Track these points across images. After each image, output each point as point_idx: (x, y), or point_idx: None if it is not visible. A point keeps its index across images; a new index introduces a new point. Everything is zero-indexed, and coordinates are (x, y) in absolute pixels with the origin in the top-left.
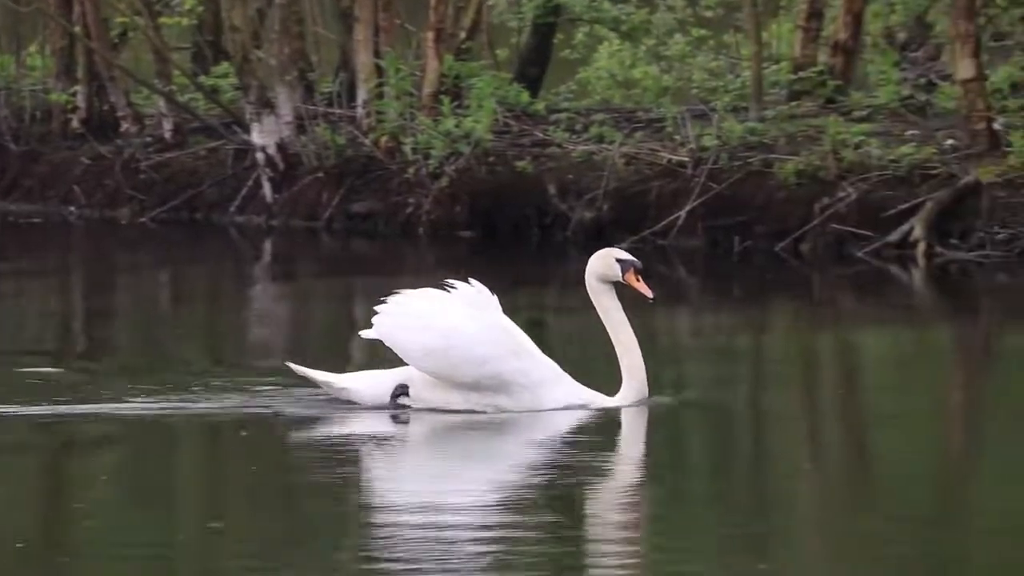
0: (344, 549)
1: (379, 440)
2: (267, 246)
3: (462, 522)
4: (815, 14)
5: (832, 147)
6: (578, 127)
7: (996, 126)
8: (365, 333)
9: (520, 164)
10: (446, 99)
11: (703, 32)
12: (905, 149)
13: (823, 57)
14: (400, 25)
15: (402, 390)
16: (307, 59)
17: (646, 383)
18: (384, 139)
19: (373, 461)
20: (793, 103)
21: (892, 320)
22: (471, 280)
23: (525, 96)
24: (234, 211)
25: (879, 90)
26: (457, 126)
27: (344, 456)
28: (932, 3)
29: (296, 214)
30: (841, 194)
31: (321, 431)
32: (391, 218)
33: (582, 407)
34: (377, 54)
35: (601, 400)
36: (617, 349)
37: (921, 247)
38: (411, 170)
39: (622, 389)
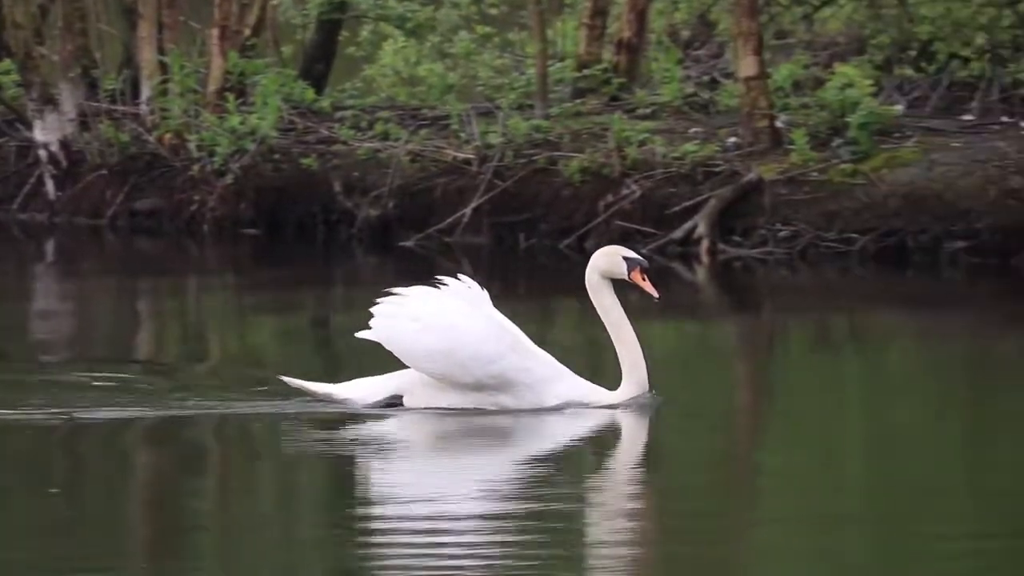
0: (342, 554)
1: (375, 444)
2: (50, 244)
3: (460, 527)
4: (599, 12)
5: (617, 144)
6: (363, 124)
7: (778, 124)
8: (362, 335)
9: (305, 161)
10: (231, 96)
11: (488, 30)
12: (689, 147)
13: (608, 55)
14: (184, 22)
15: (395, 400)
16: (90, 56)
17: (646, 379)
18: (168, 136)
19: (370, 465)
20: (578, 101)
21: (676, 317)
22: (460, 276)
23: (310, 93)
24: (16, 208)
25: (663, 88)
26: (242, 123)
27: (340, 461)
28: (715, 1)
29: (80, 212)
30: (625, 191)
31: (314, 437)
32: (175, 215)
33: (584, 403)
34: (161, 51)
35: (603, 395)
36: (617, 346)
37: (704, 244)
38: (196, 167)
39: (623, 384)
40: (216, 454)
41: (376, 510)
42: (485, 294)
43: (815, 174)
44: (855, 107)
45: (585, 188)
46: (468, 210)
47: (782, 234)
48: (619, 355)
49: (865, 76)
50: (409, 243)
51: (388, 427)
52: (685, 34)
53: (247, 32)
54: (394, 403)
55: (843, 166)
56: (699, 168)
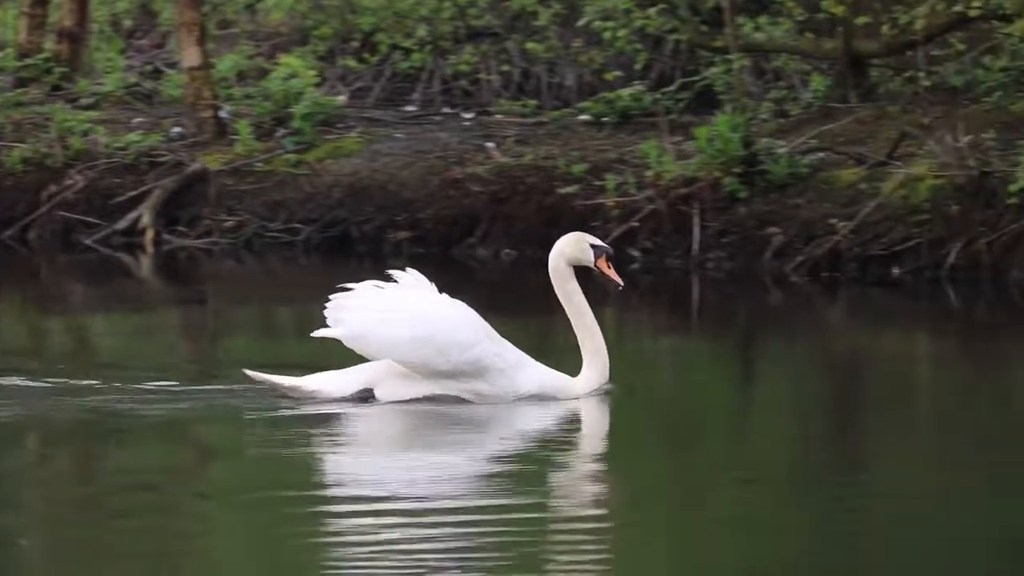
0: (306, 548)
1: (342, 438)
2: None
3: (424, 517)
4: (41, 1)
5: (59, 134)
6: None
7: (222, 114)
8: (323, 333)
9: None
10: None
11: None
12: (132, 137)
13: (49, 44)
14: None
15: (367, 394)
16: None
17: (608, 365)
18: None
19: (335, 459)
20: (19, 90)
21: (119, 308)
22: (408, 268)
23: None
24: None
25: (106, 78)
26: None
27: (306, 454)
28: None
29: None
30: (68, 182)
31: (282, 431)
32: None
33: (553, 390)
34: None
35: (570, 383)
36: (579, 333)
37: (149, 234)
38: None
39: (585, 371)
40: None
41: (342, 504)
42: (433, 286)
43: (260, 164)
44: (299, 97)
45: (27, 178)
46: None
47: (227, 224)
48: (581, 342)
49: (308, 67)
50: None
51: (354, 421)
52: (128, 23)
53: None
54: (365, 396)
55: (287, 156)
56: (143, 158)
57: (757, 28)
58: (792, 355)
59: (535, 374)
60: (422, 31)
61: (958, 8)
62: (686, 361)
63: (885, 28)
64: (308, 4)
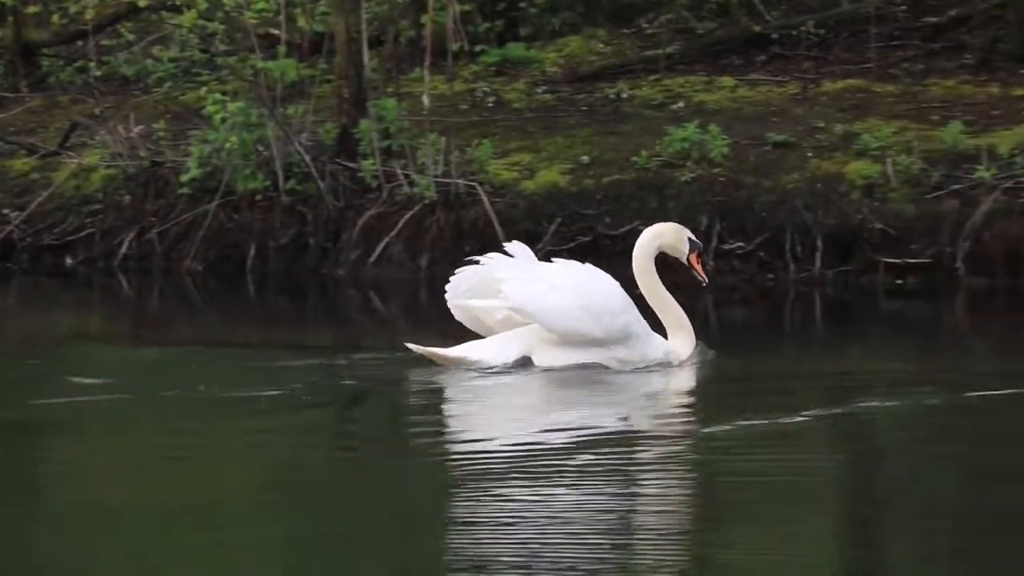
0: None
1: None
2: None
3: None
4: None
5: None
6: None
7: None
8: (485, 303)
9: None
10: None
11: None
12: None
13: None
14: None
15: (525, 361)
16: None
17: (692, 331)
18: None
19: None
20: None
21: None
22: (514, 240)
23: None
24: None
25: None
26: None
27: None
28: None
29: None
30: None
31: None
32: None
33: (673, 354)
34: None
35: (674, 347)
36: (658, 307)
37: None
38: None
39: (673, 340)
40: None
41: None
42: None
43: None
44: None
45: None
46: None
47: None
48: (662, 317)
49: None
50: None
51: (516, 385)
52: None
53: None
54: (523, 363)
55: None
56: None
57: None
58: None
59: (659, 340)
60: None
61: None
62: None
63: (55, 17)
64: None
